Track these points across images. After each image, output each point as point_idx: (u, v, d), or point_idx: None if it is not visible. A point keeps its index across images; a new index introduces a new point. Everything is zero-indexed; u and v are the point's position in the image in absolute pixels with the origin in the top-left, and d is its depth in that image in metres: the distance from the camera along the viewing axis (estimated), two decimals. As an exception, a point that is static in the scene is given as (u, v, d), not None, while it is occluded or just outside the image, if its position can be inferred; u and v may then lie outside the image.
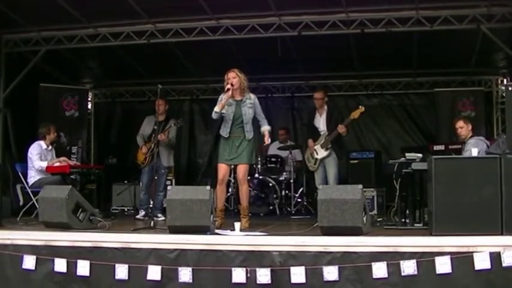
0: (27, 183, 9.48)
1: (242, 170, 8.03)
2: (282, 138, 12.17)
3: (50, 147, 9.83)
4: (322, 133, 9.47)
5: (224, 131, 8.01)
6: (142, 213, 9.76)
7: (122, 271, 6.29)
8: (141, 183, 10.07)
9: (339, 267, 5.89)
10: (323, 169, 9.45)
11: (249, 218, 8.08)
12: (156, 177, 9.20)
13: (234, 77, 7.90)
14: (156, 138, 9.37)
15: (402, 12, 9.17)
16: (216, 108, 7.92)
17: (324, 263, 5.94)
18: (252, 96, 8.12)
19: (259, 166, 11.23)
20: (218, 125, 13.44)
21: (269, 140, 8.26)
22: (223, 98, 7.91)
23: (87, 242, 6.60)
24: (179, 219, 6.69)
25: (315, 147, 9.46)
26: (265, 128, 8.19)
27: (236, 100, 7.98)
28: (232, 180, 11.15)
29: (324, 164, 9.42)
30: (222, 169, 8.02)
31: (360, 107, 9.59)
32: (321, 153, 9.39)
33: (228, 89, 7.86)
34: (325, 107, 9.60)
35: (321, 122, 9.54)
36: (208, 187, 6.88)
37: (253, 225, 7.92)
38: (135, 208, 11.42)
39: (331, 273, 5.89)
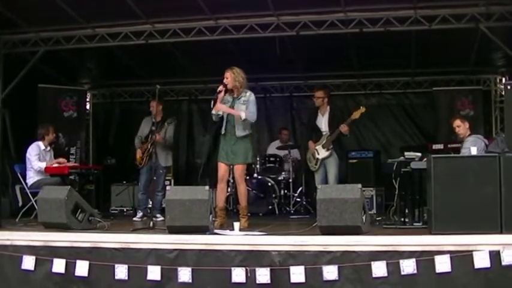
0: (26, 184, 9.48)
1: (238, 169, 8.06)
2: (285, 138, 12.19)
3: (49, 148, 9.84)
4: (324, 133, 9.47)
5: (222, 129, 8.07)
6: (139, 214, 9.73)
7: (121, 271, 6.30)
8: (139, 184, 10.06)
9: (339, 267, 5.90)
10: (323, 169, 9.44)
11: (248, 217, 8.08)
12: (154, 178, 9.19)
13: (227, 77, 7.97)
14: (152, 139, 9.37)
15: (400, 11, 9.15)
16: (213, 111, 7.98)
17: (324, 262, 5.95)
18: (248, 93, 8.11)
19: (258, 166, 11.23)
20: (218, 124, 13.54)
21: (238, 113, 7.95)
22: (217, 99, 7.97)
23: (86, 242, 6.61)
24: (178, 219, 6.70)
25: (316, 147, 9.45)
26: (242, 114, 7.93)
27: (233, 97, 8.04)
28: (231, 180, 11.15)
29: (324, 164, 9.42)
30: (221, 168, 8.05)
31: (361, 107, 9.58)
32: (322, 153, 9.39)
33: (220, 91, 7.92)
34: (328, 108, 9.59)
35: (322, 122, 9.53)
36: (207, 187, 6.89)
37: (253, 225, 7.92)
38: (134, 208, 11.42)
39: (330, 272, 5.90)
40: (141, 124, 10.04)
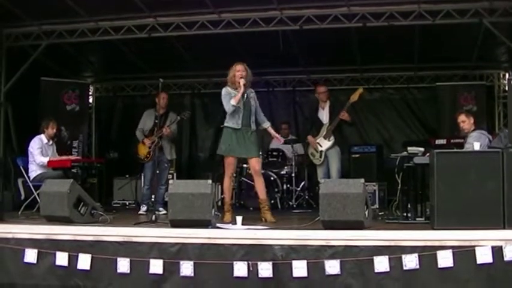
0: (28, 177, 9.48)
1: (258, 162, 8.10)
2: (284, 133, 12.17)
3: (51, 142, 9.83)
4: (325, 125, 9.48)
5: (235, 122, 7.94)
6: (144, 208, 9.72)
7: (123, 265, 6.30)
8: (143, 178, 10.03)
9: (341, 261, 5.89)
10: (326, 163, 9.45)
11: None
12: (158, 171, 9.18)
13: (243, 71, 7.96)
14: (159, 132, 9.38)
15: (404, 6, 9.15)
16: (233, 102, 7.87)
17: (326, 256, 5.94)
18: (253, 90, 8.20)
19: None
20: (218, 119, 13.50)
21: (279, 138, 8.44)
22: (238, 91, 7.87)
23: (88, 235, 6.60)
24: (181, 213, 6.69)
25: (318, 140, 9.46)
26: (268, 125, 8.26)
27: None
28: (234, 175, 11.15)
29: (327, 158, 9.43)
30: (232, 162, 8.04)
31: (359, 88, 9.59)
32: (325, 144, 9.41)
33: (245, 84, 7.89)
34: (328, 101, 9.62)
35: (324, 115, 9.56)
36: (209, 181, 6.87)
37: (255, 219, 7.89)
38: (136, 202, 11.41)
39: (332, 267, 5.89)
40: (142, 117, 10.03)
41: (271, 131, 8.32)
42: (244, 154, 8.01)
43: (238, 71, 7.94)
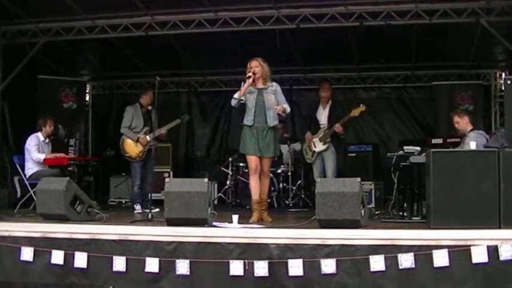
0: (24, 175, 9.48)
1: (268, 163, 7.94)
2: (280, 132, 12.15)
3: (48, 140, 9.83)
4: (322, 126, 9.47)
5: (248, 120, 7.82)
6: (138, 207, 9.61)
7: (119, 263, 6.31)
8: (134, 178, 9.83)
9: (337, 260, 5.91)
10: (321, 162, 9.45)
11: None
12: (147, 169, 9.18)
13: (256, 66, 7.86)
14: (158, 133, 9.35)
15: (401, 5, 9.13)
16: (236, 95, 7.80)
17: (322, 255, 5.96)
18: (274, 83, 8.03)
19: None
20: (215, 117, 13.48)
21: (280, 109, 7.85)
22: (243, 85, 7.81)
23: (84, 234, 6.61)
24: (177, 211, 6.70)
25: (313, 139, 9.46)
26: (284, 106, 7.97)
27: (258, 88, 7.89)
28: (230, 173, 11.17)
29: (322, 157, 9.43)
30: (253, 160, 7.80)
31: (361, 105, 9.57)
32: (319, 146, 9.39)
33: (249, 77, 7.77)
34: (330, 101, 9.61)
35: (323, 115, 9.54)
36: (205, 179, 6.89)
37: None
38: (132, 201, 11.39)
39: (328, 266, 5.91)
40: (127, 114, 9.92)
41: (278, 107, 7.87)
42: (258, 152, 7.79)
43: (251, 67, 7.85)
